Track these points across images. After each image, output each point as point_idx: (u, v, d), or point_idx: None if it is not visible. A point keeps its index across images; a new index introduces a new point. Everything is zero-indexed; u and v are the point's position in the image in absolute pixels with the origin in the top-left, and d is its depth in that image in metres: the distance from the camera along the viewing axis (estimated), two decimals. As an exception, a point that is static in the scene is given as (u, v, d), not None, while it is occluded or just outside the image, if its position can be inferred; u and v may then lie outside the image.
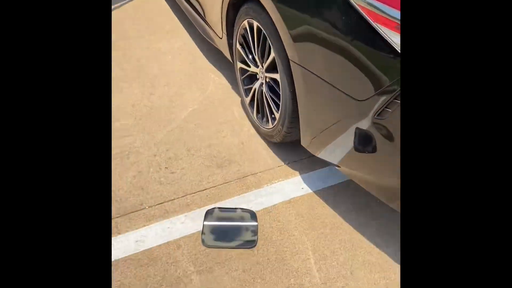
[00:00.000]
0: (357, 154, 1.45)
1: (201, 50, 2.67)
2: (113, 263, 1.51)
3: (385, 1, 1.17)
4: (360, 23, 1.24)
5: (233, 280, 1.47)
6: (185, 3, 2.59)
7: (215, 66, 2.53)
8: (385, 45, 1.18)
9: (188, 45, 2.72)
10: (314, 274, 1.49)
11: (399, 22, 1.14)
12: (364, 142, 1.41)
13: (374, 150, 1.38)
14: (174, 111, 2.20)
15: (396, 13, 1.15)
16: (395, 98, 1.20)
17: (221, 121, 2.15)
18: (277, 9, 1.53)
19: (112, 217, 1.67)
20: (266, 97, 1.88)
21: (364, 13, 1.21)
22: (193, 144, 2.01)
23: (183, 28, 2.89)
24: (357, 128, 1.39)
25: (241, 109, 2.21)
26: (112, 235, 1.61)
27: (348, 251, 1.57)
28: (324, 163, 1.90)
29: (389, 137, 1.28)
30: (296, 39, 1.48)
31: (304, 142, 1.69)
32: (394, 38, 1.16)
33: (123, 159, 1.92)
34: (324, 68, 1.42)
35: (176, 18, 3.00)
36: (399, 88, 1.18)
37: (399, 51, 1.15)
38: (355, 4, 1.22)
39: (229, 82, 2.40)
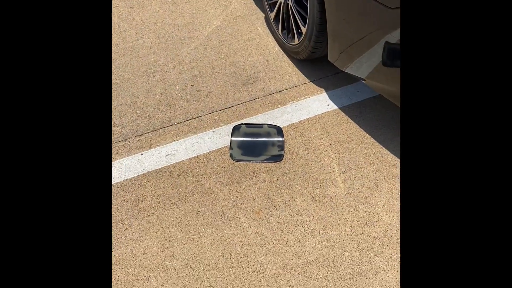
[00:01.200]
0: (385, 68, 1.47)
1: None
2: (145, 175, 1.62)
3: None
4: None
5: (260, 190, 1.57)
6: None
7: (237, -19, 2.48)
8: None
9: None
10: (339, 185, 1.58)
11: None
12: (393, 57, 1.42)
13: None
14: (197, 28, 2.20)
15: None
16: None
17: (245, 38, 2.15)
18: None
19: (142, 133, 1.76)
20: (292, 10, 1.86)
21: None
22: (218, 62, 2.04)
23: None
24: (386, 43, 1.39)
25: (265, 26, 2.20)
26: (144, 149, 1.71)
27: (372, 164, 1.64)
28: (349, 80, 1.92)
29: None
30: None
31: (331, 57, 1.71)
32: None
33: (149, 77, 1.98)
34: (355, -23, 1.39)
35: None
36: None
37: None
38: None
39: (252, -2, 2.37)
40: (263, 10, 2.19)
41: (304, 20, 1.78)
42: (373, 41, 1.45)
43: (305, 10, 1.73)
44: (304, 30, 1.79)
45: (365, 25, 1.45)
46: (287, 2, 1.89)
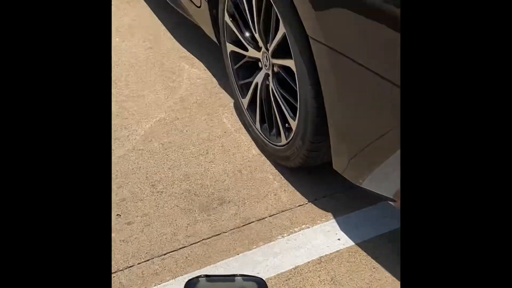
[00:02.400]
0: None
1: (166, 25, 2.79)
2: None
3: None
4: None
5: None
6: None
7: (189, 50, 2.65)
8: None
9: (144, 18, 2.85)
10: None
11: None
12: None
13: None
14: (128, 124, 2.30)
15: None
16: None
17: (204, 136, 2.24)
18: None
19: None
20: (275, 96, 1.98)
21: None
22: (161, 176, 2.09)
23: (137, -7, 3.03)
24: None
25: (235, 117, 2.31)
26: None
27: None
28: (372, 199, 1.98)
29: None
30: (317, 4, 1.58)
31: (338, 165, 1.78)
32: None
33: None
34: (361, 49, 1.52)
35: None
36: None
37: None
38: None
39: (213, 74, 2.52)
40: (232, 93, 2.31)
41: (293, 109, 1.88)
42: (398, 140, 1.53)
43: (294, 95, 1.84)
44: (294, 124, 1.89)
45: (385, 119, 1.54)
46: (267, 82, 2.01)
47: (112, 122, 2.30)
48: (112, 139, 2.23)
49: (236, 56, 2.17)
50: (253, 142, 2.21)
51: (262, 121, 2.11)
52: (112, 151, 2.19)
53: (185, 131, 2.28)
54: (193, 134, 2.26)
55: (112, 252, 1.86)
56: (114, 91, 2.46)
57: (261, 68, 2.04)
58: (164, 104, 2.39)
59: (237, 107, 2.29)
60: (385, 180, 1.65)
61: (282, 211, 1.98)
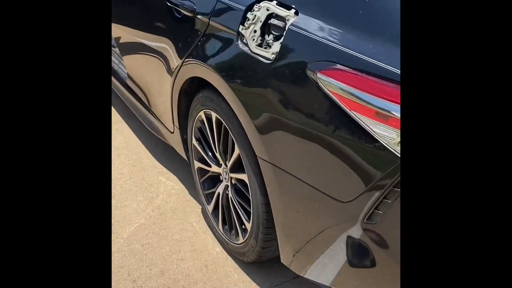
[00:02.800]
0: (353, 269, 1.60)
1: (147, 147, 2.89)
2: None
3: (361, 87, 1.40)
4: (334, 111, 1.46)
5: None
6: (124, 90, 2.85)
7: (166, 166, 2.73)
8: (366, 135, 1.39)
9: (130, 141, 2.94)
10: None
11: (378, 110, 1.36)
12: (359, 254, 1.56)
13: (373, 264, 1.53)
14: (114, 229, 2.34)
15: (375, 100, 1.38)
16: (385, 197, 1.39)
17: (177, 238, 2.29)
18: (237, 96, 1.76)
19: None
20: (233, 203, 2.05)
21: (337, 99, 1.44)
22: (141, 273, 2.12)
23: (123, 121, 3.13)
24: (348, 237, 1.55)
25: (202, 221, 2.36)
26: None
27: None
28: (316, 286, 2.02)
29: (383, 244, 1.44)
30: (262, 131, 1.69)
31: (284, 259, 1.84)
32: (375, 127, 1.37)
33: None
34: (299, 165, 1.62)
35: (112, 108, 3.26)
36: (391, 184, 1.37)
37: (384, 143, 1.36)
38: (326, 90, 1.46)
39: (185, 186, 2.58)
40: (200, 201, 2.38)
41: (248, 214, 1.95)
42: (332, 237, 1.61)
43: (248, 203, 1.92)
44: (249, 226, 1.95)
45: (319, 222, 1.62)
46: (227, 192, 2.09)
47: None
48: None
49: (201, 171, 2.26)
50: (217, 241, 2.26)
51: (223, 224, 2.18)
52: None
53: (161, 233, 2.32)
54: (168, 236, 2.31)
55: None
56: (102, 202, 2.50)
57: (222, 181, 2.13)
58: (144, 212, 2.45)
59: (204, 212, 2.35)
60: (323, 270, 1.71)
61: (242, 298, 2.01)
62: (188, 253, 2.22)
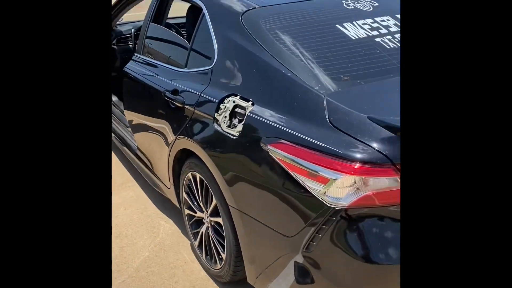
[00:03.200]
0: (299, 286, 1.60)
1: (151, 199, 2.87)
2: None
3: (298, 155, 1.45)
4: (281, 172, 1.51)
5: None
6: (135, 158, 2.86)
7: (165, 213, 2.71)
8: (303, 188, 1.44)
9: (139, 195, 2.93)
10: None
11: (309, 171, 1.42)
12: (303, 275, 1.57)
13: (312, 281, 1.54)
14: (126, 261, 2.29)
15: (307, 164, 1.43)
16: (317, 233, 1.42)
17: (173, 265, 2.25)
18: (213, 162, 1.80)
19: None
20: (212, 239, 2.05)
21: (282, 164, 1.49)
22: (146, 293, 2.08)
23: (134, 180, 3.12)
24: (295, 262, 1.56)
25: (191, 252, 2.34)
26: None
27: None
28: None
29: (319, 267, 1.46)
30: (231, 186, 1.72)
31: (250, 280, 1.83)
32: (308, 183, 1.42)
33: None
34: (257, 211, 1.64)
35: (126, 171, 3.25)
36: (319, 223, 1.41)
37: (314, 194, 1.40)
38: (274, 157, 1.51)
39: (179, 227, 2.56)
40: (189, 238, 2.36)
41: (223, 247, 1.95)
42: (284, 263, 1.62)
43: (223, 239, 1.93)
44: (224, 256, 1.95)
45: (273, 252, 1.64)
46: (208, 231, 2.09)
47: (115, 261, 2.30)
48: (115, 272, 2.22)
49: (190, 216, 2.26)
50: (202, 268, 2.23)
51: (206, 255, 2.17)
52: (116, 278, 2.17)
53: (161, 263, 2.29)
54: (166, 264, 2.27)
55: None
56: (116, 240, 2.46)
57: (204, 223, 2.13)
58: (148, 247, 2.41)
59: (192, 246, 2.33)
60: (278, 287, 1.70)
61: (220, 310, 1.98)
62: (181, 277, 2.18)
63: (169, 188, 2.40)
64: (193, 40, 2.14)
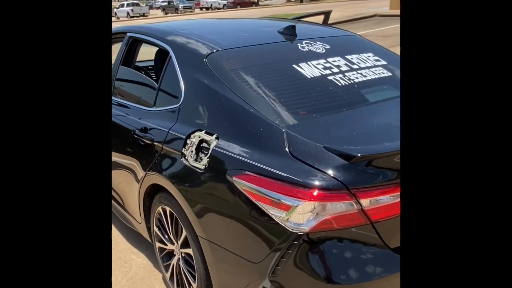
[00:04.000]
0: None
1: (123, 234, 2.81)
2: None
3: (262, 185, 1.49)
4: (246, 201, 1.54)
5: None
6: (106, 195, 2.81)
7: (136, 247, 2.66)
8: (267, 216, 1.47)
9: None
10: None
11: (273, 199, 1.45)
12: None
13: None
14: (97, 297, 2.22)
15: (270, 193, 1.47)
16: (282, 257, 1.44)
17: (145, 300, 2.20)
18: (182, 195, 1.81)
19: None
20: (183, 270, 2.03)
21: (247, 194, 1.52)
22: (118, 328, 2.00)
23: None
24: (263, 287, 1.57)
25: (163, 285, 2.29)
26: None
27: None
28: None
29: (283, 290, 1.47)
30: (200, 218, 1.73)
31: (221, 307, 1.81)
32: (272, 211, 1.45)
33: None
34: (225, 239, 1.65)
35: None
36: (284, 248, 1.43)
37: (278, 221, 1.43)
38: (239, 188, 1.54)
39: (150, 260, 2.51)
40: (161, 270, 2.32)
41: (194, 277, 1.93)
42: (253, 288, 1.61)
43: (193, 268, 1.91)
44: (195, 285, 1.92)
45: (242, 278, 1.63)
46: (179, 263, 2.07)
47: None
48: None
49: (161, 249, 2.23)
50: (174, 300, 2.19)
51: (177, 286, 2.13)
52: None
53: (133, 297, 2.23)
54: (138, 299, 2.22)
55: None
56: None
57: (175, 255, 2.11)
58: (121, 282, 2.35)
59: (165, 279, 2.28)
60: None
61: None
62: (152, 310, 2.13)
63: (140, 223, 2.36)
64: (161, 81, 2.18)
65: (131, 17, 31.37)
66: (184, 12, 32.35)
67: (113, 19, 30.86)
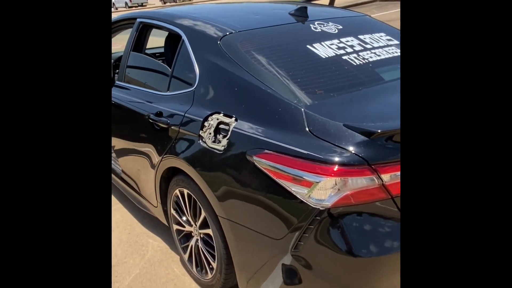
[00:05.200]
0: (288, 287, 1.63)
1: (138, 219, 2.85)
2: None
3: (282, 163, 1.51)
4: (267, 180, 1.56)
5: None
6: (119, 181, 2.85)
7: (152, 231, 2.69)
8: (288, 193, 1.49)
9: (126, 217, 2.90)
10: None
11: (293, 176, 1.48)
12: (290, 276, 1.60)
13: (300, 281, 1.58)
14: (117, 279, 2.26)
15: (291, 170, 1.49)
16: (304, 233, 1.47)
17: (164, 280, 2.24)
18: (201, 177, 1.83)
19: None
20: (202, 251, 2.06)
21: (267, 172, 1.54)
22: (140, 308, 2.05)
23: (120, 204, 3.09)
24: (282, 264, 1.60)
25: (181, 266, 2.33)
26: None
27: None
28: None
29: (308, 266, 1.50)
30: (220, 198, 1.76)
31: (241, 285, 1.84)
32: (293, 188, 1.48)
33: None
34: (246, 218, 1.68)
35: (113, 196, 3.22)
36: (306, 224, 1.46)
37: (300, 197, 1.46)
38: (260, 167, 1.56)
39: (167, 244, 2.55)
40: (178, 253, 2.36)
41: (213, 257, 1.97)
42: (272, 266, 1.65)
43: (213, 249, 1.94)
44: (215, 265, 1.96)
45: (263, 256, 1.67)
46: (198, 244, 2.10)
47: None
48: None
49: (178, 231, 2.26)
50: (193, 280, 2.23)
51: (196, 266, 2.17)
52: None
53: (152, 279, 2.27)
54: (157, 280, 2.26)
55: None
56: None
57: (193, 236, 2.14)
58: (139, 265, 2.39)
59: (182, 261, 2.32)
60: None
61: (213, 318, 1.97)
62: (172, 290, 2.17)
63: (156, 207, 2.39)
64: (174, 65, 2.19)
65: (129, 7, 31.11)
66: (183, 1, 32.07)
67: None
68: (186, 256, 2.23)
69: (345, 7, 14.57)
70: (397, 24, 2.11)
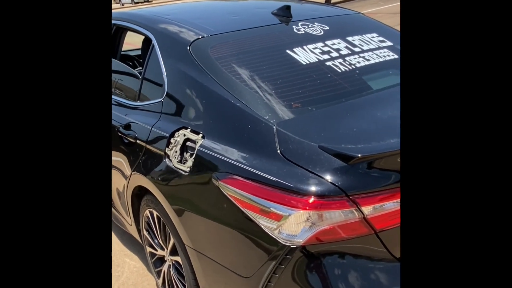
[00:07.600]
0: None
1: (117, 235, 2.67)
2: None
3: (250, 191, 1.31)
4: (234, 209, 1.36)
5: None
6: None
7: (130, 249, 2.52)
8: (257, 226, 1.29)
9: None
10: None
11: (262, 207, 1.27)
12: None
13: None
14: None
15: (259, 200, 1.28)
16: (274, 273, 1.27)
17: (137, 307, 2.06)
18: (166, 200, 1.64)
19: None
20: (174, 279, 1.87)
21: (233, 201, 1.34)
22: None
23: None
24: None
25: (156, 291, 2.15)
26: None
27: None
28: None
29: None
30: (186, 226, 1.56)
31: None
32: (261, 220, 1.27)
33: None
34: (214, 251, 1.48)
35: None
36: (276, 263, 1.25)
37: (268, 232, 1.26)
38: (226, 193, 1.36)
39: (144, 264, 2.37)
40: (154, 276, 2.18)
41: (183, 285, 1.78)
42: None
43: (183, 276, 1.76)
44: (185, 293, 1.78)
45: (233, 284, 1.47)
46: (170, 270, 1.92)
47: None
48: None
49: (152, 254, 2.08)
50: (167, 307, 2.05)
51: (169, 294, 1.98)
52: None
53: (124, 305, 2.09)
54: (129, 307, 2.08)
55: None
56: None
57: (166, 261, 1.95)
58: (113, 286, 2.21)
59: (157, 284, 2.14)
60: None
61: None
62: (144, 319, 1.99)
63: (131, 225, 2.21)
64: (144, 72, 1.99)
65: (136, 3, 30.96)
66: (188, -4, 31.83)
67: (117, 5, 30.50)
68: (160, 282, 2.05)
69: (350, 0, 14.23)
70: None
